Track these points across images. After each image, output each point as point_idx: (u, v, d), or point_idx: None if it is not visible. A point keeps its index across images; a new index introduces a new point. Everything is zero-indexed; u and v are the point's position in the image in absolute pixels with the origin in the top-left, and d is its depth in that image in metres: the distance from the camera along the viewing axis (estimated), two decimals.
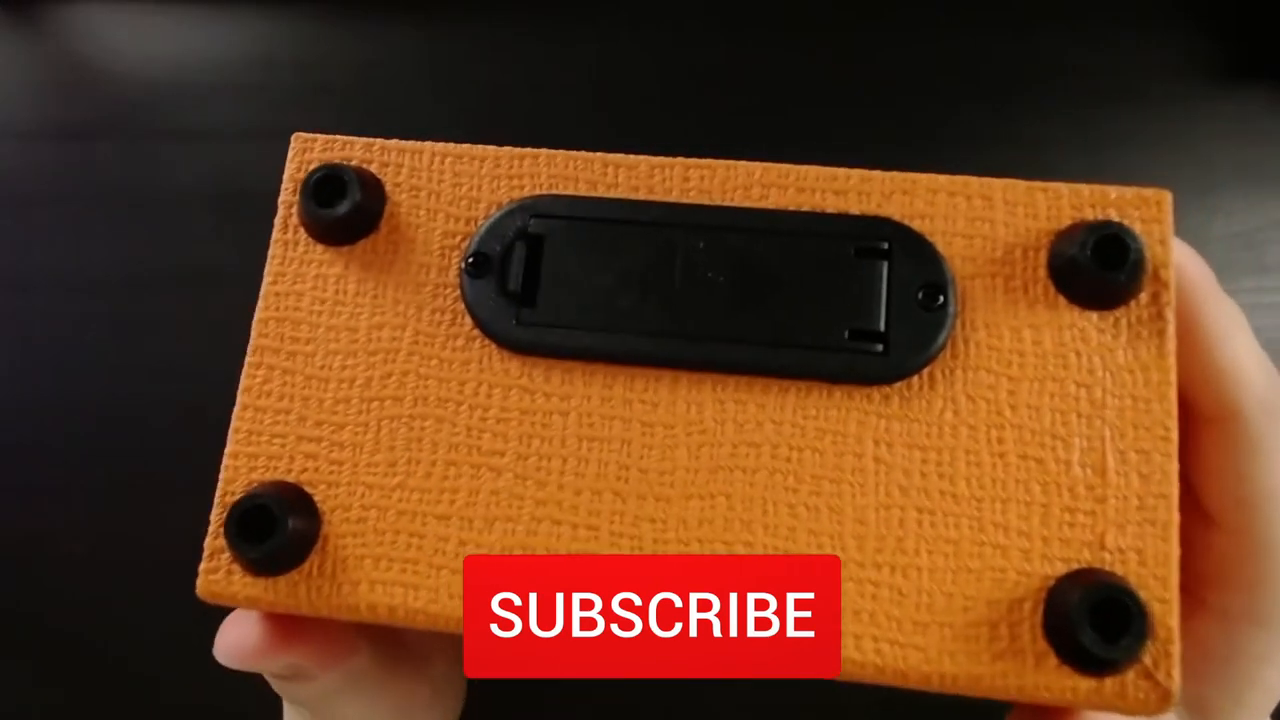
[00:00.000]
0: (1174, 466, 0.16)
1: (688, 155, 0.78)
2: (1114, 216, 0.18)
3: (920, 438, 0.17)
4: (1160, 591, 0.16)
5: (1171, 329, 0.16)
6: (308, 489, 0.18)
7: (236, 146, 0.81)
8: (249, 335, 0.76)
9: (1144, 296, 0.17)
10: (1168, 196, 0.18)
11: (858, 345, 0.17)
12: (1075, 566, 0.16)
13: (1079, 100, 0.78)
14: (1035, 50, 0.81)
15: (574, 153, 0.17)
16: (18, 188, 0.79)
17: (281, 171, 0.81)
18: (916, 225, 0.18)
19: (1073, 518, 0.16)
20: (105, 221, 0.77)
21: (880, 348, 0.17)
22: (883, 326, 0.15)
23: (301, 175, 0.18)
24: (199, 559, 0.70)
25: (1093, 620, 0.15)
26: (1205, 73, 0.79)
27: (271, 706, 0.70)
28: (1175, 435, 0.16)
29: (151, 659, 0.65)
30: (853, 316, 0.17)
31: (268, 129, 0.84)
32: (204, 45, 0.84)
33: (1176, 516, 0.15)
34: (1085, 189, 0.18)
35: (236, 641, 0.16)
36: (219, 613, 0.66)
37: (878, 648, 0.16)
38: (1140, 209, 0.17)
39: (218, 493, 0.17)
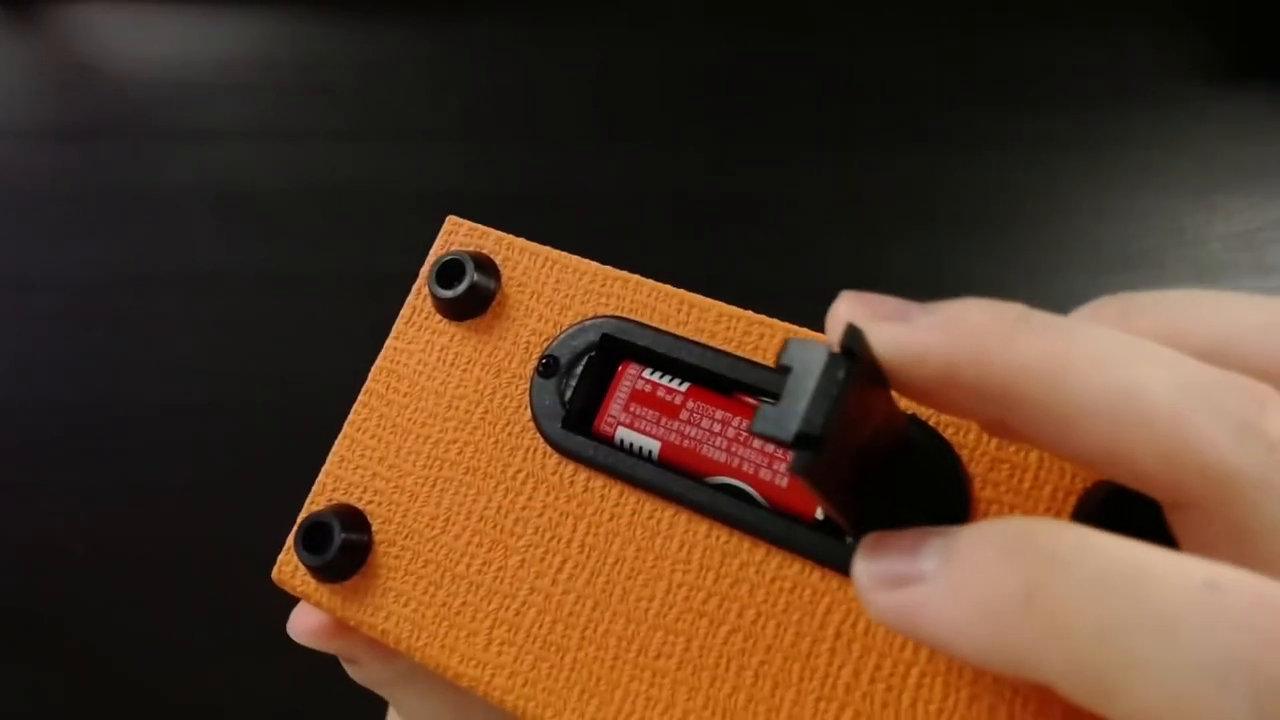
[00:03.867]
0: None
1: (685, 154, 0.77)
2: None
3: (880, 641, 0.16)
4: None
5: None
6: (369, 519, 0.19)
7: (236, 146, 0.81)
8: (247, 335, 0.76)
9: None
10: None
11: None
12: None
13: (1079, 100, 0.78)
14: (1035, 50, 0.81)
15: (658, 285, 0.19)
16: (18, 188, 0.79)
17: (281, 172, 0.81)
18: (948, 433, 0.17)
19: None
20: (105, 221, 0.77)
21: None
22: None
23: (441, 254, 0.20)
24: (198, 559, 0.70)
25: None
26: (1205, 73, 0.79)
27: (270, 706, 0.70)
28: None
29: (151, 658, 0.66)
30: None
31: (268, 129, 0.84)
32: (204, 45, 0.84)
33: None
34: None
35: (303, 621, 0.20)
36: (217, 613, 0.66)
37: None
38: None
39: (307, 501, 0.20)
